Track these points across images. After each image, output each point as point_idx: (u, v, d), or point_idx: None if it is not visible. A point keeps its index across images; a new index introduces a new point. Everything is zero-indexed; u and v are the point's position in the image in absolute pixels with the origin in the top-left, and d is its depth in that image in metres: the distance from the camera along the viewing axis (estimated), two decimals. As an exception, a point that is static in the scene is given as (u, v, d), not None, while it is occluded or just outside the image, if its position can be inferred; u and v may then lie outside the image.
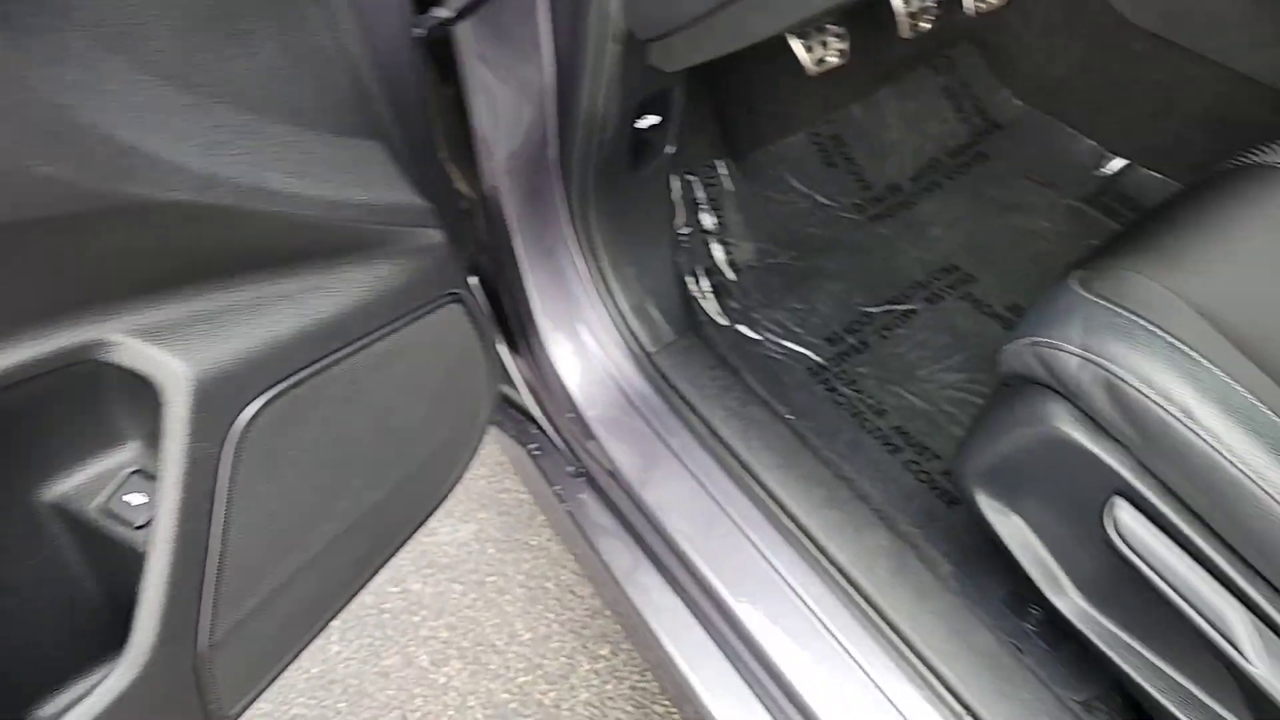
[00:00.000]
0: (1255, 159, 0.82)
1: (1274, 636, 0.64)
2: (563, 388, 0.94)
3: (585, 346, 0.96)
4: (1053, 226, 1.23)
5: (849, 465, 1.01)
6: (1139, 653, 0.77)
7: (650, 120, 0.85)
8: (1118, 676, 0.79)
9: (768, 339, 1.13)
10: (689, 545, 0.84)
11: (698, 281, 1.16)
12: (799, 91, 1.24)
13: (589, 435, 0.91)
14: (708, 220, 1.19)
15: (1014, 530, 0.82)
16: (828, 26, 0.97)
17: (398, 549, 0.72)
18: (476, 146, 0.84)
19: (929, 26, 1.08)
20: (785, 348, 1.13)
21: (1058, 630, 0.87)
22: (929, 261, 1.21)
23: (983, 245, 1.22)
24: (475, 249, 0.96)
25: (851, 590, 0.78)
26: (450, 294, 0.68)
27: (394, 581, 1.31)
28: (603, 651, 1.24)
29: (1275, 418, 0.63)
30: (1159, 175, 1.24)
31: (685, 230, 1.16)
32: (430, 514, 0.75)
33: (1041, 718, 0.72)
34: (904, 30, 1.23)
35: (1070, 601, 0.80)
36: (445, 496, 0.77)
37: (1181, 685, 0.74)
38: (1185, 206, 0.79)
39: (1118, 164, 1.28)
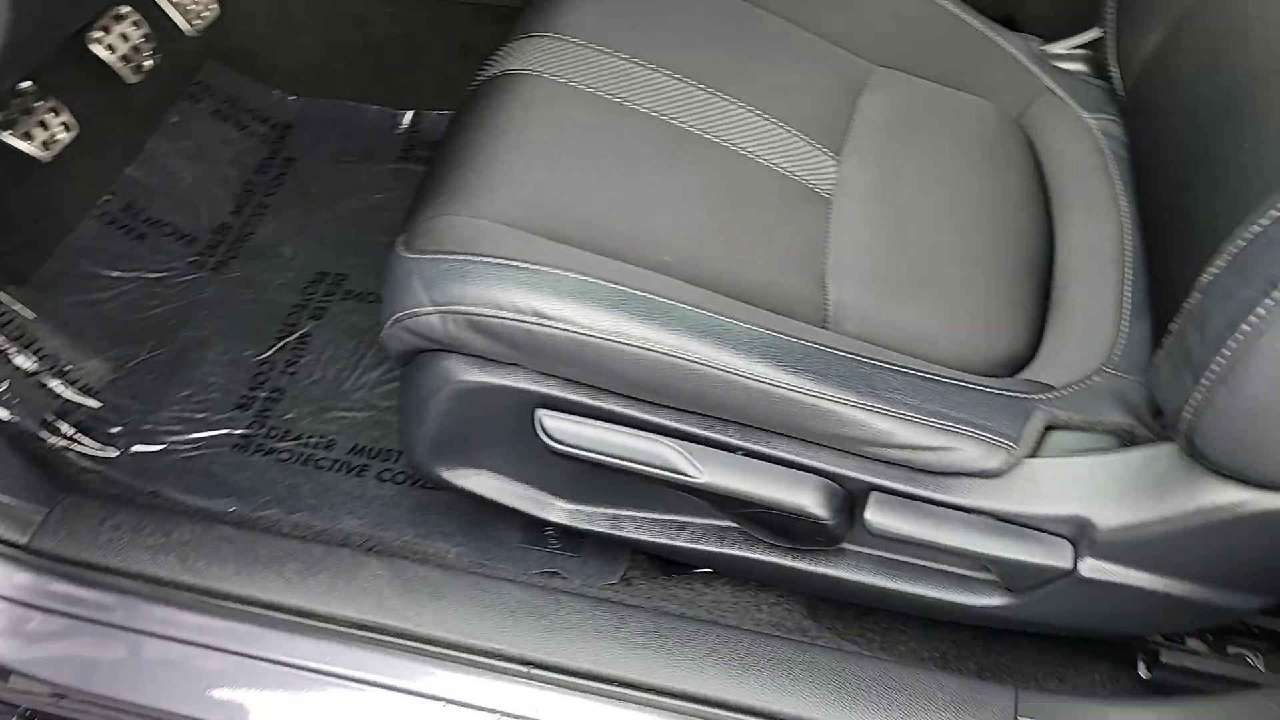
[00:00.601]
0: (490, 71, 0.90)
1: (696, 445, 0.74)
2: None
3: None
4: (385, 197, 1.25)
5: (323, 513, 0.95)
6: (631, 516, 0.84)
7: None
8: (632, 544, 0.87)
9: (173, 443, 1.01)
10: (193, 706, 0.73)
11: (55, 431, 0.98)
12: (53, 182, 1.08)
13: (3, 676, 0.73)
14: (25, 362, 1.00)
15: (486, 483, 0.84)
16: (32, 106, 0.85)
17: None
18: None
19: (155, 63, 1.01)
20: (198, 439, 1.02)
21: (574, 535, 0.93)
22: (295, 281, 1.17)
23: (335, 242, 1.21)
24: None
25: (370, 634, 0.74)
26: None
27: None
28: None
29: (595, 280, 0.70)
30: (446, 111, 1.31)
31: (1, 386, 0.97)
32: None
33: (592, 619, 0.76)
34: (128, 77, 1.13)
35: (562, 510, 0.85)
36: None
37: (672, 521, 0.84)
38: (455, 139, 0.84)
39: (408, 117, 1.33)
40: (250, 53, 1.33)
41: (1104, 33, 0.99)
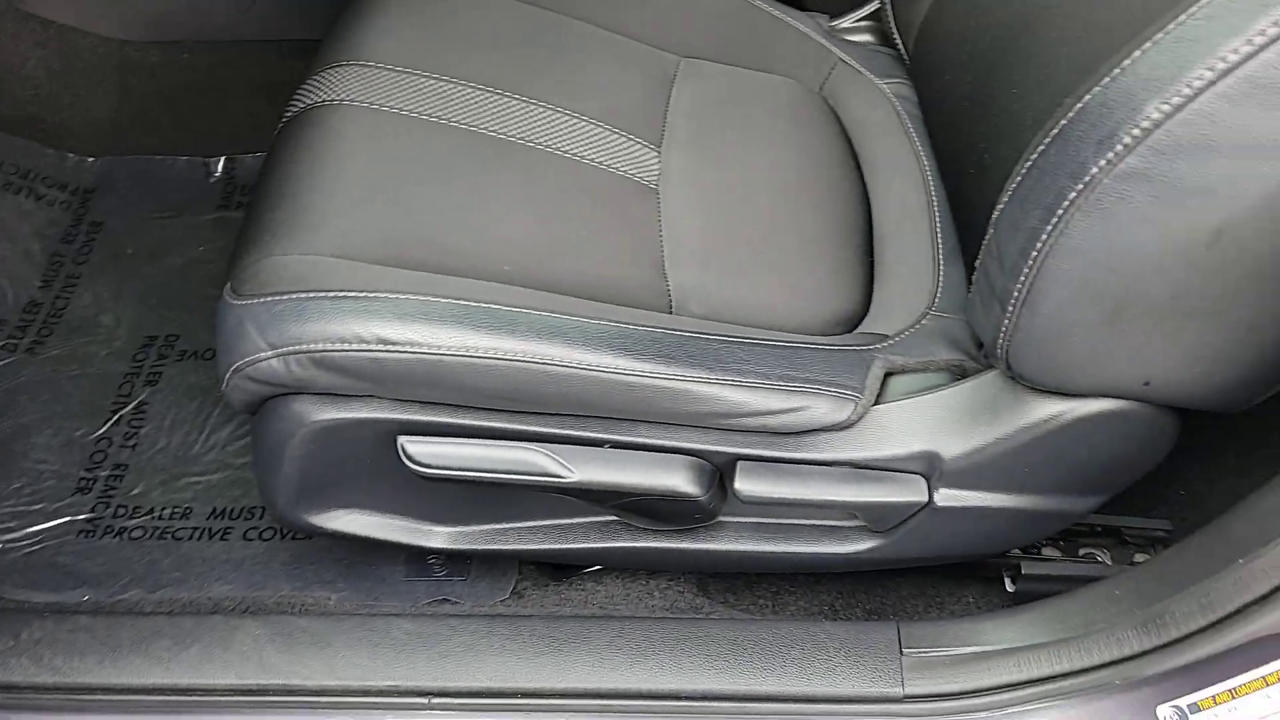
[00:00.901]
0: (298, 106, 0.87)
1: (563, 446, 0.74)
2: None
3: None
4: (209, 249, 1.20)
5: (190, 585, 0.91)
6: (513, 528, 0.84)
7: None
8: (519, 555, 0.87)
9: (8, 542, 0.94)
10: None
11: None
12: None
13: None
14: None
15: (359, 521, 0.82)
16: None
17: None
18: None
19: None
20: (37, 532, 0.95)
21: (459, 558, 0.92)
22: (122, 349, 1.10)
23: (161, 302, 1.15)
24: None
25: (256, 698, 0.71)
26: None
27: None
28: None
29: (436, 298, 0.70)
30: (260, 153, 1.27)
31: None
32: None
33: (488, 637, 0.75)
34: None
35: (442, 535, 0.84)
36: None
37: (554, 525, 0.84)
38: (271, 178, 0.82)
39: (220, 164, 1.28)
40: (35, 117, 1.25)
41: (882, 3, 1.06)
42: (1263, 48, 0.50)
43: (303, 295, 0.70)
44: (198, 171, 1.28)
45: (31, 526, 0.95)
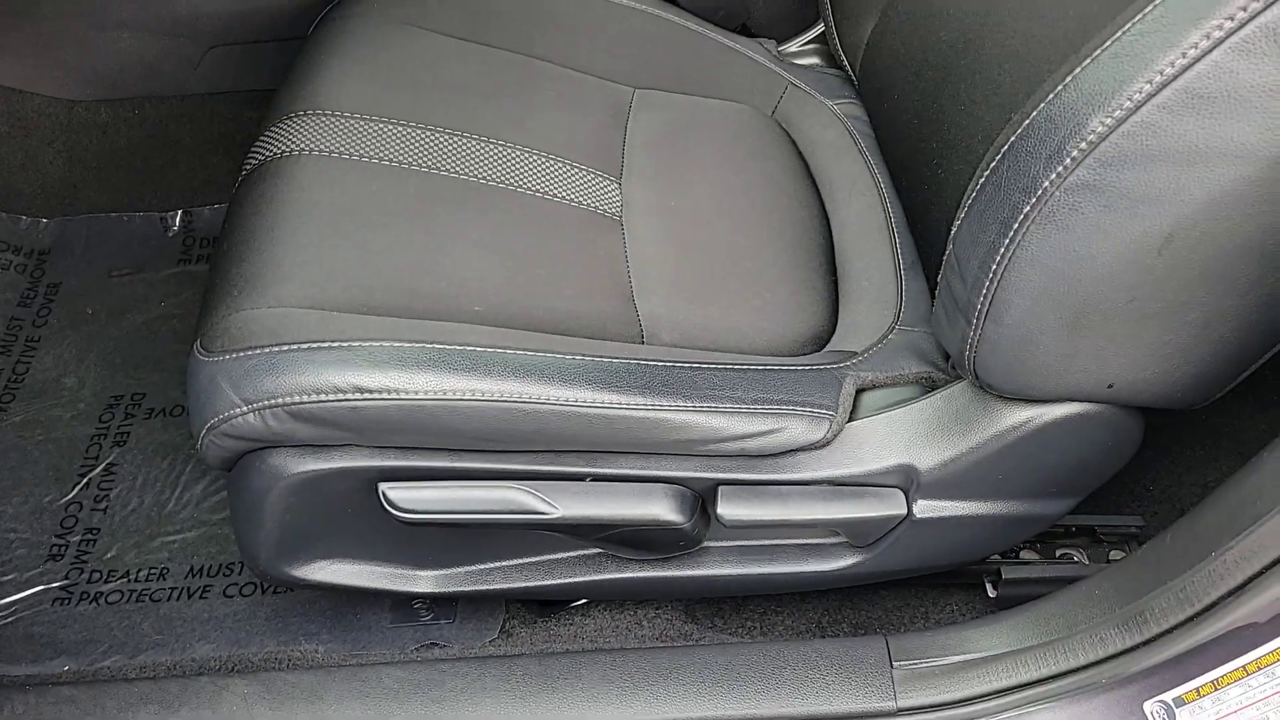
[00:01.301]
0: (258, 158, 0.87)
1: (545, 482, 0.74)
2: None
3: None
4: (171, 303, 1.19)
5: (171, 647, 0.89)
6: (497, 567, 0.84)
7: None
8: (505, 595, 0.86)
9: (-19, 617, 0.91)
10: None
11: None
12: None
13: None
14: None
15: (342, 571, 0.82)
16: None
17: None
18: None
19: None
20: (9, 603, 0.93)
21: (445, 601, 0.91)
22: (87, 411, 1.09)
23: (125, 361, 1.13)
24: None
25: None
26: None
27: None
28: None
29: (409, 343, 0.70)
30: (219, 205, 1.27)
31: None
32: None
33: (479, 680, 0.75)
34: None
35: (427, 579, 0.84)
36: None
37: (539, 561, 0.84)
38: (236, 232, 0.82)
39: (178, 218, 1.27)
40: None
41: (827, 27, 1.08)
42: (1196, 60, 0.53)
43: (275, 348, 0.70)
44: (155, 226, 1.27)
45: (4, 598, 0.93)
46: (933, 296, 0.76)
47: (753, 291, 0.87)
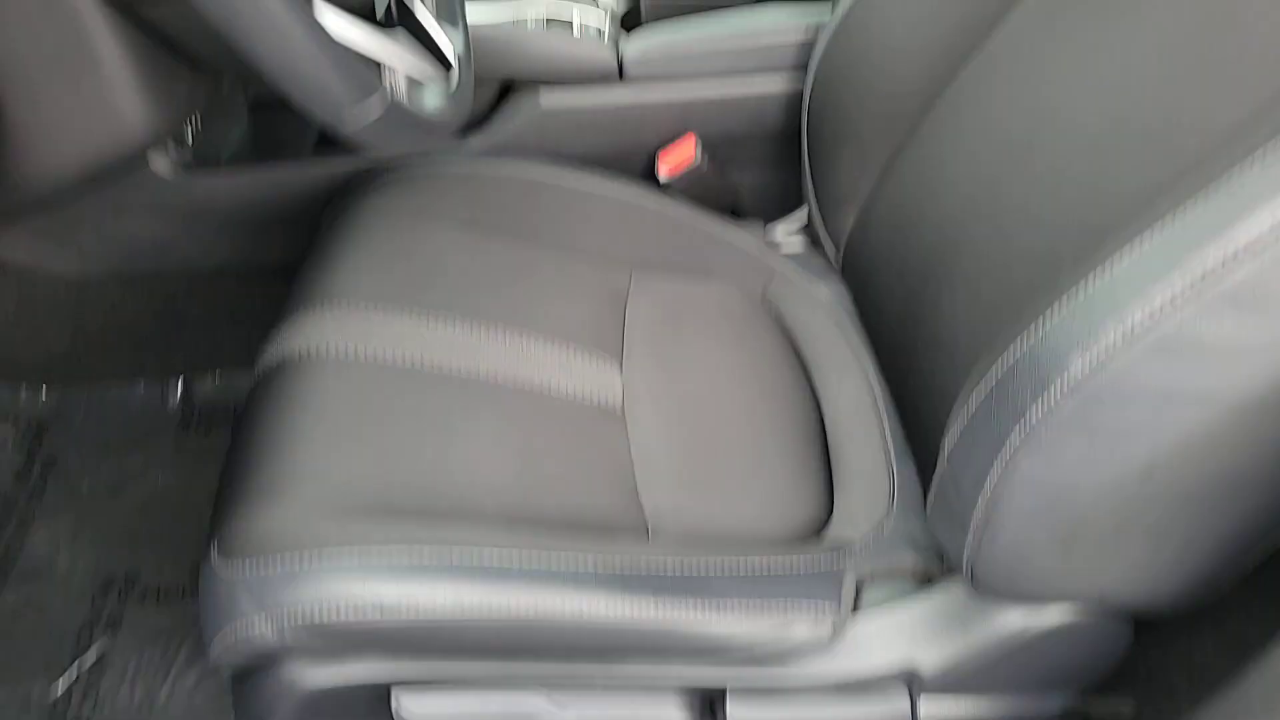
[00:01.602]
0: (274, 355, 0.89)
1: (553, 687, 0.75)
2: None
3: None
4: (170, 478, 1.19)
5: None
6: None
7: None
8: None
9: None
10: None
11: None
12: None
13: None
14: None
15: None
16: None
17: None
18: None
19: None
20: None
21: None
22: (80, 594, 1.08)
23: (121, 539, 1.13)
24: None
25: None
26: None
27: None
28: None
29: (432, 550, 0.72)
30: (219, 370, 1.28)
31: None
32: None
33: None
34: None
35: None
36: None
37: None
38: (251, 434, 0.83)
39: (178, 388, 1.29)
40: None
41: (810, 215, 1.15)
42: (1163, 317, 0.57)
43: (295, 558, 0.71)
44: (154, 397, 1.29)
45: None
46: (922, 483, 0.79)
47: (752, 480, 0.90)
